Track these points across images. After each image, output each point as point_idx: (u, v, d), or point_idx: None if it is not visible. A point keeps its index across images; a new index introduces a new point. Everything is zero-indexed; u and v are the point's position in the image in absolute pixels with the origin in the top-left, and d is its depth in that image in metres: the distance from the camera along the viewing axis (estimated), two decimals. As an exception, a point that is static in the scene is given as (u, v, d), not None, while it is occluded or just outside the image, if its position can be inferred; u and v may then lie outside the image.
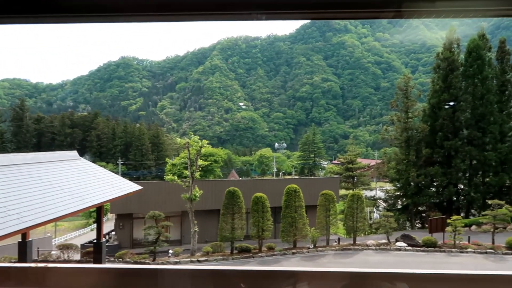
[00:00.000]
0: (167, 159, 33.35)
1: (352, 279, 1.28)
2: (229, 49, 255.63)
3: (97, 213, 19.54)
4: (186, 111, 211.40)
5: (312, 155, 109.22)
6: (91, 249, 22.20)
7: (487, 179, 35.87)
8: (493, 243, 23.26)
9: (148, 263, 22.08)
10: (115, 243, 31.18)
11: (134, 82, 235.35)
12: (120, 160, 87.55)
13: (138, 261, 22.47)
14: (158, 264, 21.78)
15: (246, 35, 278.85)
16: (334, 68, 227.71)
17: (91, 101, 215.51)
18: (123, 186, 20.03)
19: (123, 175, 64.04)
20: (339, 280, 1.28)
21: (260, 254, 23.62)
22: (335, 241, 25.92)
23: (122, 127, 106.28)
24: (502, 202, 26.11)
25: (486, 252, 22.38)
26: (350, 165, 48.87)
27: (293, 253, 23.80)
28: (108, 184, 18.99)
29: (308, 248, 24.43)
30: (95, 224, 31.57)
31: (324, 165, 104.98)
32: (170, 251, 24.03)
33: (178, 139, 29.80)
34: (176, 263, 21.94)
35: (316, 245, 24.65)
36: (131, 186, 20.93)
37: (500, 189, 35.68)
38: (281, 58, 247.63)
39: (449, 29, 40.73)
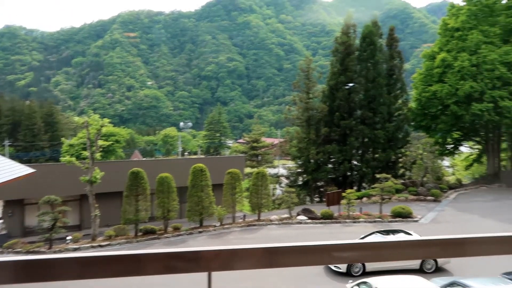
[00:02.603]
0: (63, 139, 30.92)
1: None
2: (130, 23, 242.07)
3: (-20, 200, 17.52)
4: (84, 87, 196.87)
5: (218, 134, 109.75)
6: (-27, 241, 19.94)
7: (377, 155, 39.43)
8: (380, 212, 25.82)
9: (43, 252, 20.53)
10: (3, 232, 28.42)
11: (22, 55, 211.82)
12: (7, 141, 79.02)
13: (31, 250, 20.76)
14: (55, 251, 20.36)
15: (148, 9, 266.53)
16: (240, 48, 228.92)
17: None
18: (11, 169, 18.16)
19: (12, 158, 57.98)
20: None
21: (166, 235, 23.34)
22: (241, 218, 26.61)
23: (8, 104, 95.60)
24: (389, 176, 29.00)
25: (374, 221, 24.80)
26: (255, 144, 50.22)
27: (200, 232, 23.94)
28: (-8, 168, 17.06)
29: (215, 226, 24.75)
30: (-22, 212, 28.32)
31: (230, 144, 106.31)
32: (69, 237, 22.60)
33: (76, 118, 27.81)
34: (75, 249, 20.72)
35: (223, 223, 25.07)
36: (21, 169, 19.07)
37: (387, 164, 39.51)
38: (186, 36, 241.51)
39: (347, 15, 43.32)
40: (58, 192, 26.06)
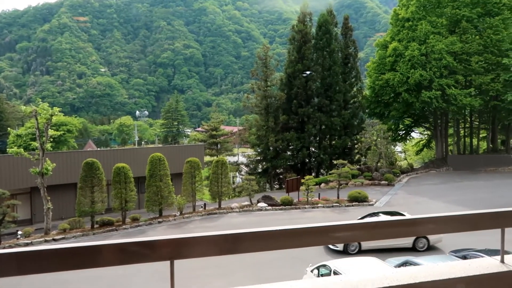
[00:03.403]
0: (10, 129, 29.32)
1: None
2: (80, 7, 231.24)
3: None
4: (31, 75, 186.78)
5: (176, 123, 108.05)
6: None
7: (333, 142, 40.37)
8: (338, 197, 26.57)
9: (-8, 248, 19.51)
10: None
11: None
12: None
13: (-21, 246, 19.67)
14: (4, 248, 19.38)
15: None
16: (196, 35, 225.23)
17: None
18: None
19: (-48, 150, 54.38)
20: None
21: (124, 226, 22.84)
22: (201, 206, 26.49)
23: None
24: (345, 162, 29.83)
25: (332, 206, 25.49)
26: (214, 132, 49.81)
27: (159, 222, 23.62)
28: None
29: (175, 215, 24.50)
30: None
31: (188, 133, 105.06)
32: (19, 232, 21.59)
33: (23, 107, 26.29)
34: (27, 244, 19.84)
35: (183, 212, 24.85)
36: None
37: (343, 150, 40.58)
38: (139, 21, 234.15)
39: (303, 4, 43.58)
40: (6, 185, 24.78)
